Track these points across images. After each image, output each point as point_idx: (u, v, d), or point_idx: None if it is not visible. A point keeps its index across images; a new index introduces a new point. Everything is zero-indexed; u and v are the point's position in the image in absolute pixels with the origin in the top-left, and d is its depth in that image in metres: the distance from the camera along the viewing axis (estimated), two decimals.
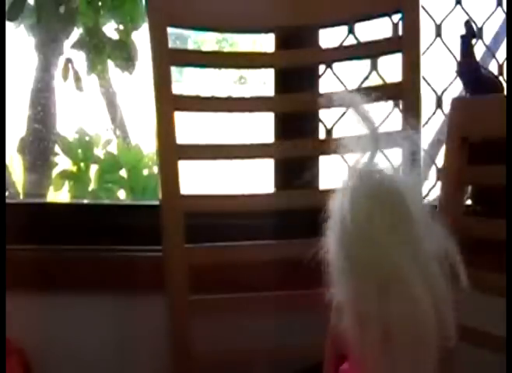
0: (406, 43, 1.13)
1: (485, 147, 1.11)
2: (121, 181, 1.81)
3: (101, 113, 1.83)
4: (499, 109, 1.03)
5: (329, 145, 1.24)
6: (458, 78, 1.31)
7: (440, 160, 1.39)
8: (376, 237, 0.66)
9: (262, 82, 1.61)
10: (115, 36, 1.78)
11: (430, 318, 0.70)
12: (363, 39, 1.28)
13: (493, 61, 1.44)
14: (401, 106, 1.17)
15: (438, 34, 1.41)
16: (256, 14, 1.16)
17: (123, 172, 1.82)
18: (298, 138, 1.23)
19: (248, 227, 1.20)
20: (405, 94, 1.14)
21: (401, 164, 0.73)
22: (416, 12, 1.14)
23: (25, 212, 1.29)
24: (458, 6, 1.41)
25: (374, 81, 1.37)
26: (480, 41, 1.41)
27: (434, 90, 1.41)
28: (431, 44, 1.41)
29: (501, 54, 1.44)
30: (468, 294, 1.10)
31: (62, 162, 1.80)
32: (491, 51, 1.44)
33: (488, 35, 1.46)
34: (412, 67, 1.13)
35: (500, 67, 1.43)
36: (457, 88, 1.40)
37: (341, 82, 1.33)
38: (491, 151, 1.06)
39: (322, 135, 1.34)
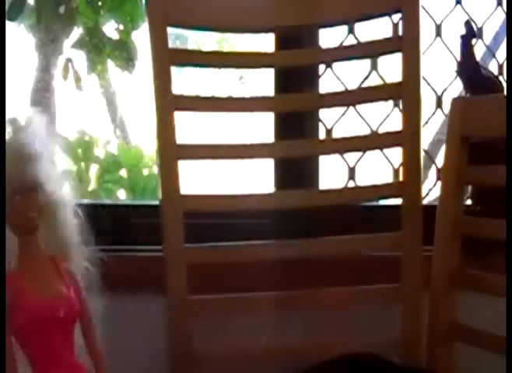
0: (406, 43, 1.13)
1: (485, 147, 1.11)
2: (121, 181, 1.81)
3: (101, 113, 1.83)
4: (499, 109, 1.03)
5: (329, 145, 1.25)
6: (458, 78, 1.31)
7: (440, 160, 1.39)
8: None
9: (262, 82, 1.61)
10: (115, 36, 1.78)
11: None
12: (363, 39, 1.28)
13: (493, 60, 1.44)
14: (401, 106, 1.17)
15: (438, 34, 1.41)
16: (256, 14, 1.15)
17: (123, 172, 1.82)
18: (298, 138, 1.23)
19: (248, 227, 1.20)
20: (405, 94, 1.14)
21: None
22: (416, 12, 1.14)
23: None
24: (458, 6, 1.41)
25: (374, 81, 1.37)
26: (480, 41, 1.41)
27: (434, 90, 1.41)
28: (431, 44, 1.41)
29: (501, 54, 1.44)
30: (468, 294, 1.10)
31: (62, 162, 1.80)
32: (491, 51, 1.44)
33: (488, 35, 1.45)
34: (412, 67, 1.13)
35: (500, 67, 1.43)
36: (457, 88, 1.40)
37: (342, 82, 1.33)
38: (491, 151, 1.06)
39: (322, 135, 1.34)
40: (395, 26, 1.34)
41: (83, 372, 0.79)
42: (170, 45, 1.11)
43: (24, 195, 0.76)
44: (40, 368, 0.76)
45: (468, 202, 1.28)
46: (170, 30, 1.11)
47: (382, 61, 1.37)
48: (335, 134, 1.36)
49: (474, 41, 1.25)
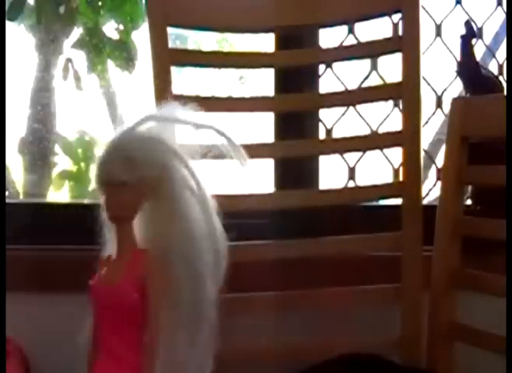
0: (406, 43, 1.13)
1: (485, 147, 1.11)
2: None
3: (101, 113, 1.83)
4: (499, 109, 1.03)
5: (329, 145, 1.24)
6: (458, 78, 1.31)
7: (440, 160, 1.39)
8: None
9: (262, 82, 1.61)
10: (115, 36, 1.78)
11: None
12: (363, 39, 1.28)
13: (493, 60, 1.44)
14: (401, 106, 1.17)
15: (438, 34, 1.41)
16: (256, 14, 1.15)
17: None
18: (298, 138, 1.23)
19: (248, 227, 1.20)
20: (405, 94, 1.14)
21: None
22: (416, 12, 1.14)
23: (25, 212, 1.29)
24: (458, 6, 1.41)
25: (374, 81, 1.37)
26: (480, 41, 1.41)
27: (434, 90, 1.41)
28: (431, 44, 1.41)
29: (501, 54, 1.44)
30: (468, 294, 1.10)
31: (62, 162, 1.80)
32: (491, 51, 1.44)
33: (488, 35, 1.45)
34: (412, 67, 1.13)
35: (500, 67, 1.43)
36: (457, 88, 1.40)
37: (342, 82, 1.33)
38: (491, 151, 1.06)
39: (322, 135, 1.34)
40: (395, 26, 1.34)
41: (131, 364, 0.79)
42: (170, 45, 1.11)
43: (108, 189, 0.79)
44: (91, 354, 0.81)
45: (468, 202, 1.28)
46: (170, 30, 1.11)
47: (382, 61, 1.37)
48: (335, 134, 1.36)
49: (474, 41, 1.25)
